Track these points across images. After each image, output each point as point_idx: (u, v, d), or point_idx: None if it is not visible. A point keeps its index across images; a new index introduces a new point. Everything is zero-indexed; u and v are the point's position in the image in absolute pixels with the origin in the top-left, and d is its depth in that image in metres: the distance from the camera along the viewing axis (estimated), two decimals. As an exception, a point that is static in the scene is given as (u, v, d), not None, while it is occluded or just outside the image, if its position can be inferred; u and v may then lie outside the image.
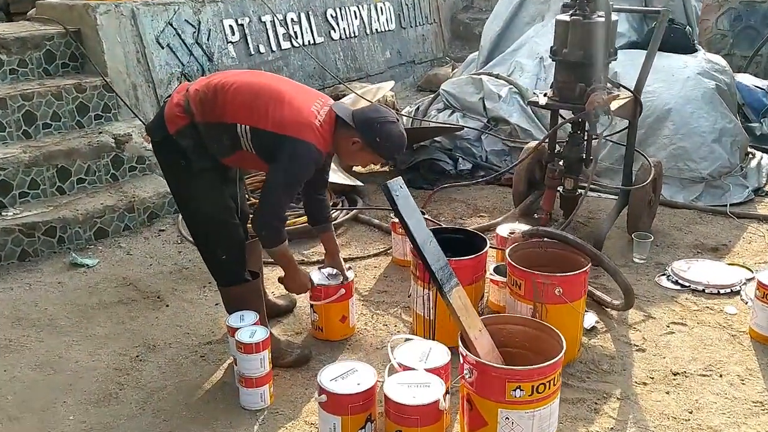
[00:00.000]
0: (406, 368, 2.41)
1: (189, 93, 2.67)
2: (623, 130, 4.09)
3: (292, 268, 2.86)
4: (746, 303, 3.37)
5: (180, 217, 4.48)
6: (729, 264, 3.77)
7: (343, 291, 3.05)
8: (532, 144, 4.40)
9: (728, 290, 3.48)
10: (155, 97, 5.16)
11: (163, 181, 4.67)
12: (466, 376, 2.24)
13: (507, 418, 2.19)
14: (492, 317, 2.54)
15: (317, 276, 3.09)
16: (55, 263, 3.92)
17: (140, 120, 4.83)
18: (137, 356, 3.05)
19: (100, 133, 4.57)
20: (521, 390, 2.15)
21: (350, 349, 3.08)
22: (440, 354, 2.50)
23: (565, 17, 3.72)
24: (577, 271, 2.81)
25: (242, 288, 2.84)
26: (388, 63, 7.87)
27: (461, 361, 2.32)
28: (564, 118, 4.05)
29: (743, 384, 2.77)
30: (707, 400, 2.68)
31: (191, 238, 3.05)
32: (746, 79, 5.97)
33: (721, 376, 2.83)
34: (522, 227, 3.53)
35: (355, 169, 5.31)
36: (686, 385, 2.77)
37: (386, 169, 5.44)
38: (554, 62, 3.83)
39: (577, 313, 2.86)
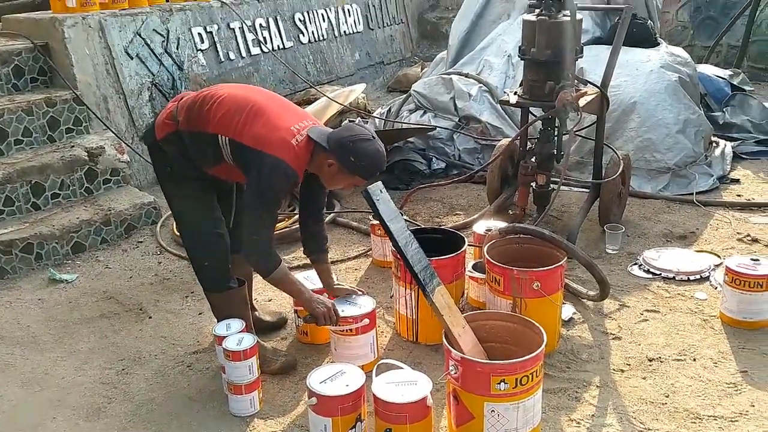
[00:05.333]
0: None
1: (180, 102, 2.72)
2: (591, 125, 4.19)
3: (301, 295, 2.77)
4: (715, 288, 3.49)
5: (158, 228, 4.50)
6: (697, 251, 3.89)
7: (367, 321, 2.88)
8: (504, 142, 4.49)
9: (698, 277, 3.60)
10: (126, 108, 5.16)
11: (139, 193, 4.70)
12: (452, 372, 2.30)
13: (493, 410, 2.26)
14: (473, 314, 2.61)
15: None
16: (34, 280, 3.91)
17: (112, 132, 4.82)
18: (123, 369, 3.07)
19: (72, 146, 4.56)
20: (505, 383, 2.22)
21: (336, 351, 3.12)
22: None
23: (532, 17, 3.80)
24: (554, 266, 2.90)
25: (225, 295, 2.88)
26: (357, 65, 7.93)
27: (446, 357, 2.38)
28: (535, 116, 4.15)
29: (716, 367, 2.88)
30: (682, 384, 2.78)
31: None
32: (708, 70, 6.14)
33: (694, 360, 2.93)
34: (498, 224, 3.61)
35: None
36: (662, 370, 2.87)
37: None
38: (523, 61, 3.92)
39: (555, 306, 2.95)
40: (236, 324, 2.81)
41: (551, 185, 4.12)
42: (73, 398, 2.88)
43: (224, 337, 2.71)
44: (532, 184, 4.11)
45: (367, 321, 2.87)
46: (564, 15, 3.75)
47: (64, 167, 4.38)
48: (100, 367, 3.09)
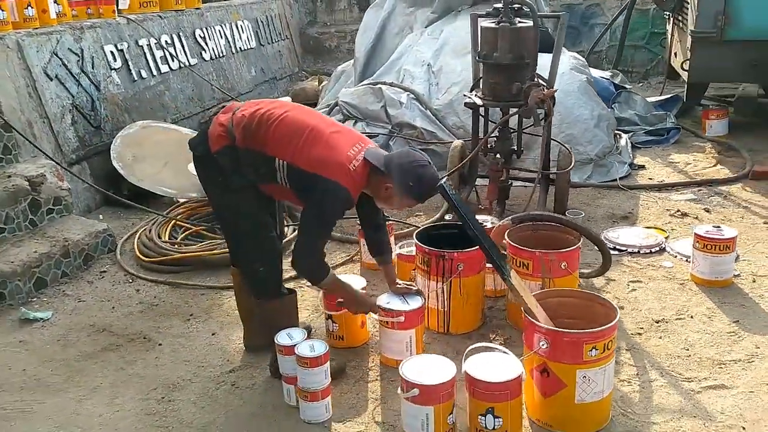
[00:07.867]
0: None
1: (235, 116, 2.70)
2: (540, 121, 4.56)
3: (349, 296, 2.92)
4: (675, 257, 3.97)
5: (118, 254, 4.24)
6: (646, 227, 4.38)
7: (402, 318, 2.95)
8: (458, 143, 4.74)
9: (657, 248, 4.07)
10: (52, 133, 4.80)
11: (89, 221, 4.41)
12: (542, 346, 2.48)
13: (585, 376, 2.47)
14: (541, 292, 2.81)
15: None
16: (3, 322, 3.54)
17: (50, 158, 4.46)
18: (163, 398, 2.90)
19: (9, 176, 4.16)
20: (596, 349, 2.44)
21: (374, 351, 3.17)
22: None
23: (491, 24, 4.09)
24: (575, 246, 3.18)
25: (281, 301, 2.88)
26: (254, 80, 7.88)
27: (527, 334, 2.56)
28: (489, 118, 4.44)
29: (712, 320, 3.30)
30: (694, 338, 3.16)
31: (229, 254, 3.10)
32: (593, 71, 6.82)
33: (691, 317, 3.34)
34: (485, 218, 3.84)
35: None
36: (671, 329, 3.25)
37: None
38: (484, 65, 4.19)
39: (576, 282, 3.23)
40: (297, 333, 2.79)
41: (510, 180, 4.45)
42: (126, 433, 2.69)
43: (293, 345, 2.69)
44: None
45: (402, 318, 2.96)
46: (520, 21, 4.09)
47: (7, 199, 4.00)
48: (134, 399, 2.90)
